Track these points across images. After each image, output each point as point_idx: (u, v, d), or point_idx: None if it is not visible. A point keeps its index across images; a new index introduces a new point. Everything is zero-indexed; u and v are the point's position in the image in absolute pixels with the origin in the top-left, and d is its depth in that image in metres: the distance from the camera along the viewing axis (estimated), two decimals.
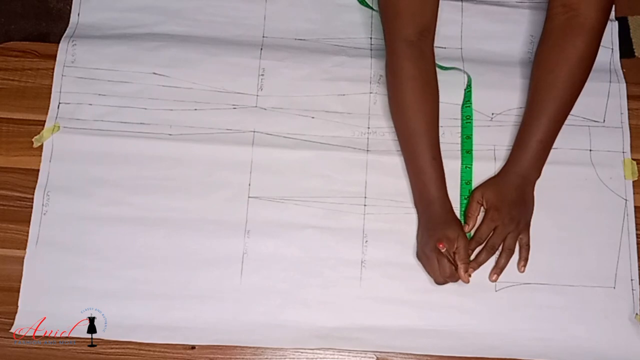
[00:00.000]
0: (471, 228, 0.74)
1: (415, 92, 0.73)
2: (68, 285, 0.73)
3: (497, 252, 0.74)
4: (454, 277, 0.71)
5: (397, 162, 0.78)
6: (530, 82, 0.78)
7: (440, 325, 0.73)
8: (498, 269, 0.73)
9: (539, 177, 0.75)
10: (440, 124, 0.74)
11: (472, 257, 0.73)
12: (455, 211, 0.74)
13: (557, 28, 0.73)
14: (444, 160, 0.74)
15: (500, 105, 0.80)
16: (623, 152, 0.80)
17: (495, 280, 0.73)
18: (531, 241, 0.74)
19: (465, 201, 0.76)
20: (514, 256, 0.74)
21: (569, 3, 0.72)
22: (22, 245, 0.74)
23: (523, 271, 0.74)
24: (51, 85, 0.79)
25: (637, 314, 0.75)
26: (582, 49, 0.72)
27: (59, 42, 0.80)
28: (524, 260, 0.74)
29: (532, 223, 0.75)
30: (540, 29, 0.77)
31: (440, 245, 0.70)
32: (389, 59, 0.75)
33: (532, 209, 0.75)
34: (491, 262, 0.74)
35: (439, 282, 0.72)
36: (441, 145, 0.74)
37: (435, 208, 0.72)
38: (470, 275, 0.70)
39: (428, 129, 0.73)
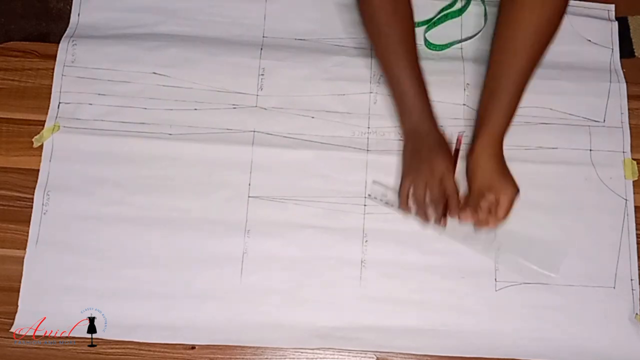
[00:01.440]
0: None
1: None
2: (68, 285, 0.73)
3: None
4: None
5: (397, 162, 0.78)
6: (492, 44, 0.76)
7: (440, 325, 0.73)
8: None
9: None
10: (440, 124, 0.74)
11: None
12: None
13: None
14: None
15: None
16: (623, 152, 0.80)
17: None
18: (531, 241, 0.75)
19: None
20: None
21: None
22: (22, 245, 0.74)
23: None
24: (51, 85, 0.79)
25: (637, 314, 0.75)
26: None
27: (59, 42, 0.80)
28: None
29: (532, 223, 0.75)
30: None
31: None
32: None
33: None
34: (491, 262, 0.75)
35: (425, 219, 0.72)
36: None
37: (415, 119, 0.72)
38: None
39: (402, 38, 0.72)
